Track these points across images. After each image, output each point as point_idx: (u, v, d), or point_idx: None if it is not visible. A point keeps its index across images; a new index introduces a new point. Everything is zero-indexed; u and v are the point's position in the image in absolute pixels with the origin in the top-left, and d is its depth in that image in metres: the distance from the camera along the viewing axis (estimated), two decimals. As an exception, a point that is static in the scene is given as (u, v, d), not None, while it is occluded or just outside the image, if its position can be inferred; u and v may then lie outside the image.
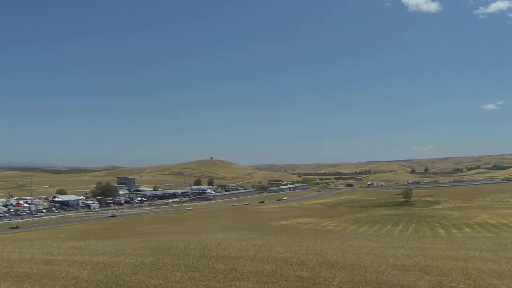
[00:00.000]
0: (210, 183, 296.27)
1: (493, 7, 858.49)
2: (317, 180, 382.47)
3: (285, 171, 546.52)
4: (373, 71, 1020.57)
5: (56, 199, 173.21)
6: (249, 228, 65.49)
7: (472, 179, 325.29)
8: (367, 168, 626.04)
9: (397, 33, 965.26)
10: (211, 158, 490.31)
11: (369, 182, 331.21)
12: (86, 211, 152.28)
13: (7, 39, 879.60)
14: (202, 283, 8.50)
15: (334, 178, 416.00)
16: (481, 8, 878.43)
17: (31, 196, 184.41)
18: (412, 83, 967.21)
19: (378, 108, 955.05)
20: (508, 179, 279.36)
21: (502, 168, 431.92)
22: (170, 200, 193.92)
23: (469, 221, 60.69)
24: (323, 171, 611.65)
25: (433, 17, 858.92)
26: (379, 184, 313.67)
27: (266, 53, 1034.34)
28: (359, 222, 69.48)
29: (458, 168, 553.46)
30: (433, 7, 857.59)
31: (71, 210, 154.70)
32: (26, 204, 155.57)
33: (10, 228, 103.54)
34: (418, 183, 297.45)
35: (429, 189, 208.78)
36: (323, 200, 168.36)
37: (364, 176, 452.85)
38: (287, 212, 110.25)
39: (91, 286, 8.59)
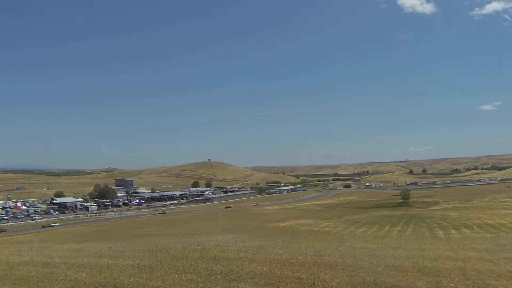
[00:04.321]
0: (208, 185, 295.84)
1: (489, 8, 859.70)
2: (315, 182, 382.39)
3: (283, 173, 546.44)
4: (370, 72, 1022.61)
5: (54, 201, 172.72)
6: (247, 229, 65.46)
7: (470, 180, 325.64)
8: (365, 169, 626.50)
9: (393, 34, 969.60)
10: (209, 160, 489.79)
11: (367, 183, 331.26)
12: (84, 214, 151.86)
13: (7, 41, 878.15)
14: (201, 284, 8.50)
15: (332, 180, 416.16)
16: (477, 9, 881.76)
17: (29, 198, 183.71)
18: (409, 84, 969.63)
19: (376, 109, 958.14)
20: (506, 180, 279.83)
21: (500, 169, 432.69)
22: (168, 202, 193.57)
23: (468, 222, 60.71)
24: (321, 173, 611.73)
25: (428, 18, 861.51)
26: (377, 185, 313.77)
27: (265, 54, 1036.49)
28: (358, 223, 69.45)
29: (456, 168, 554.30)
30: (428, 8, 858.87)
31: (69, 213, 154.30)
32: (24, 207, 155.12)
33: None
34: (416, 184, 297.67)
35: (427, 190, 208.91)
36: (322, 202, 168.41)
37: (362, 177, 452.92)
38: (286, 213, 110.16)
39: (89, 289, 8.58)
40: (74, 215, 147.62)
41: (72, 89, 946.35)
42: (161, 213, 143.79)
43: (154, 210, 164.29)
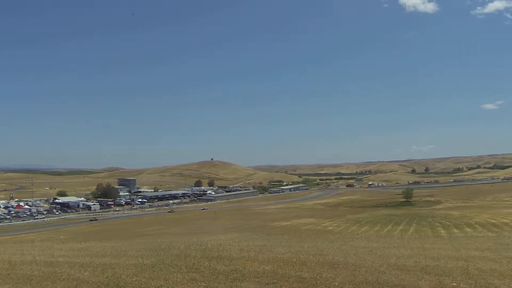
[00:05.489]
0: (211, 184, 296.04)
1: (491, 7, 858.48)
2: (318, 181, 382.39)
3: (286, 172, 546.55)
4: (372, 71, 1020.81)
5: (57, 200, 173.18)
6: (250, 229, 65.50)
7: (473, 179, 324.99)
8: (367, 168, 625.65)
9: (395, 33, 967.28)
10: (212, 159, 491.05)
11: (370, 182, 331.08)
12: (86, 213, 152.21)
13: (7, 40, 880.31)
14: (203, 284, 8.50)
15: (335, 179, 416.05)
16: (479, 8, 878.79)
17: (32, 198, 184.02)
18: (411, 83, 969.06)
19: (378, 108, 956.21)
20: (508, 179, 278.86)
21: (502, 168, 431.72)
22: (171, 201, 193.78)
23: (470, 221, 60.61)
24: (323, 172, 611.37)
25: (430, 17, 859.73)
26: (380, 184, 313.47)
27: (266, 53, 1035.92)
28: (360, 223, 69.40)
29: (459, 167, 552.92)
30: (430, 7, 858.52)
31: (72, 212, 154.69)
32: (26, 206, 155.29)
33: None
34: (418, 183, 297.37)
35: (430, 189, 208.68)
36: (324, 201, 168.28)
37: (365, 176, 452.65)
38: (288, 212, 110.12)
39: (92, 288, 8.60)
40: (77, 214, 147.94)
41: (75, 88, 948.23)
42: (168, 212, 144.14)
43: (156, 209, 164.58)
